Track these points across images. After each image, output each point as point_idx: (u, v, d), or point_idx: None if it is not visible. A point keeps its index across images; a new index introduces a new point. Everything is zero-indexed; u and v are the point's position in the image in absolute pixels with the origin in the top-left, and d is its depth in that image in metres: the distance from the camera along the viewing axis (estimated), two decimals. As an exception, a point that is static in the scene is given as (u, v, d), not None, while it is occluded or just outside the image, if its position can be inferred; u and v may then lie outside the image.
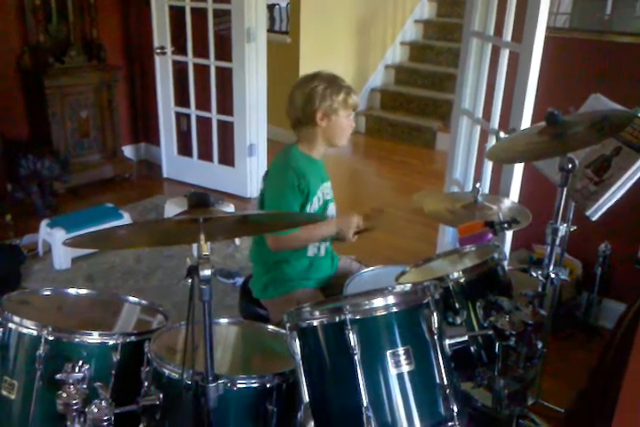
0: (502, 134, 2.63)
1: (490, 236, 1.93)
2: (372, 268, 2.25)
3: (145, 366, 1.59)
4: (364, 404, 1.38)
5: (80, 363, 1.55)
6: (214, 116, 4.61)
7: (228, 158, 4.68)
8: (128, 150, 5.16)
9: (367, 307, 1.43)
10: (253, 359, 1.78)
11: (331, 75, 2.23)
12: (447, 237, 3.34)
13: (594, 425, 1.93)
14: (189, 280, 1.40)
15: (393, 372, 1.41)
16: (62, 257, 3.53)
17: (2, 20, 4.25)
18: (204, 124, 4.71)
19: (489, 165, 2.94)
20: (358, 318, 1.42)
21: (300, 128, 2.22)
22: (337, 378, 1.44)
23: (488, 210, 2.19)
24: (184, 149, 4.89)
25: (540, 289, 1.93)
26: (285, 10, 7.46)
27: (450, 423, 1.43)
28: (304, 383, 1.45)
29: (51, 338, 1.63)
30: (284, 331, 1.52)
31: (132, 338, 1.69)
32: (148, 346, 1.61)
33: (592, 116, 1.95)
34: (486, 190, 2.93)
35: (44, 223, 3.60)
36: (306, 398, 1.44)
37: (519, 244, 3.09)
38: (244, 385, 1.51)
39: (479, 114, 3.01)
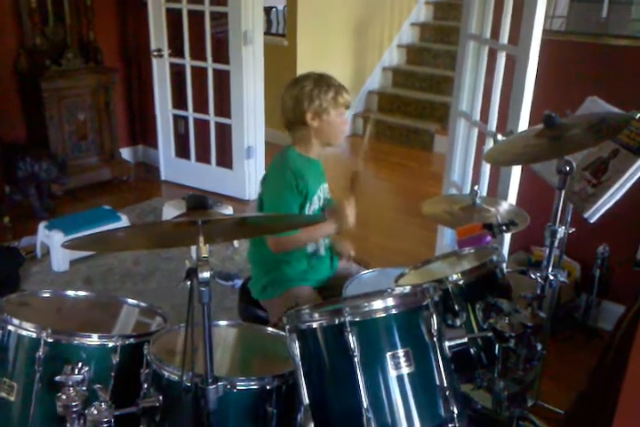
0: (500, 137, 2.63)
1: (488, 238, 1.94)
2: (371, 270, 2.26)
3: (144, 368, 1.59)
4: (364, 406, 1.39)
5: (79, 365, 1.55)
6: (212, 118, 4.61)
7: (225, 161, 4.68)
8: (126, 153, 5.15)
9: (367, 309, 1.44)
10: (253, 361, 1.78)
11: (320, 74, 2.22)
12: (446, 239, 3.35)
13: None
14: (188, 282, 1.40)
15: (393, 374, 1.41)
16: (60, 259, 3.52)
17: (-1, 23, 4.25)
18: (201, 126, 4.71)
19: (487, 168, 2.95)
20: (358, 320, 1.42)
21: (293, 130, 2.22)
22: (337, 380, 1.45)
23: (486, 212, 2.19)
24: (182, 151, 4.89)
25: (538, 291, 1.93)
26: (282, 12, 7.49)
27: (450, 425, 1.43)
28: (304, 385, 1.45)
29: (50, 340, 1.62)
30: (283, 333, 1.52)
31: (132, 340, 1.69)
32: (148, 348, 1.61)
33: (589, 119, 1.96)
34: (484, 193, 2.94)
35: (42, 226, 3.60)
36: (305, 399, 1.45)
37: (518, 246, 3.09)
38: (244, 387, 1.51)
39: (477, 116, 3.02)
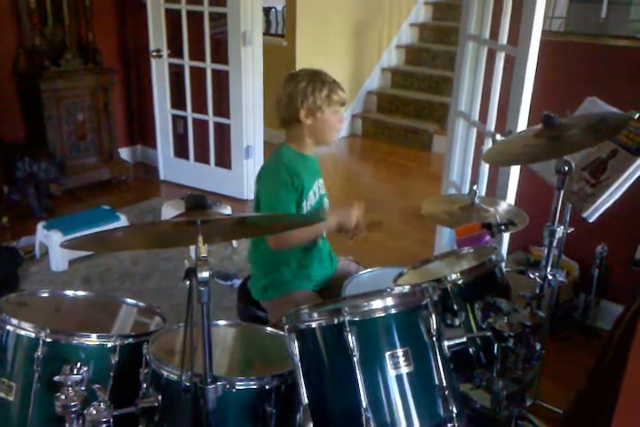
0: (499, 137, 2.63)
1: (487, 238, 1.94)
2: (370, 269, 2.26)
3: (143, 368, 1.59)
4: (364, 405, 1.39)
5: (78, 365, 1.55)
6: (211, 118, 4.61)
7: (224, 161, 4.68)
8: (124, 153, 5.15)
9: (366, 309, 1.44)
10: (252, 361, 1.78)
11: (315, 71, 2.21)
12: (444, 238, 3.35)
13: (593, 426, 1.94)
14: (187, 282, 1.40)
15: (392, 373, 1.41)
16: (59, 259, 3.52)
17: (-3, 23, 4.25)
18: (200, 126, 4.71)
19: (485, 168, 2.95)
20: (357, 319, 1.42)
21: (287, 127, 2.22)
22: (336, 380, 1.45)
23: (485, 212, 2.19)
24: (181, 151, 4.89)
25: (537, 291, 1.93)
26: (281, 13, 7.49)
27: (449, 425, 1.43)
28: (303, 385, 1.45)
29: (49, 340, 1.62)
30: (282, 332, 1.52)
31: (131, 340, 1.69)
32: (147, 348, 1.61)
33: (588, 119, 1.96)
34: (483, 193, 2.94)
35: (40, 225, 3.60)
36: (305, 399, 1.44)
37: (517, 245, 3.10)
38: (243, 387, 1.51)
39: (475, 117, 3.02)
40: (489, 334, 1.60)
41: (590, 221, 2.04)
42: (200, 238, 1.43)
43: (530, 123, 2.47)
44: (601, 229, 2.47)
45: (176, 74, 4.69)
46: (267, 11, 7.65)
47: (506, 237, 2.66)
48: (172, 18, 4.52)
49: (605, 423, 1.28)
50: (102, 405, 1.45)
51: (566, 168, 1.83)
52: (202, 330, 1.41)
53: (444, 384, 1.45)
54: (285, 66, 5.52)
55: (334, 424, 1.45)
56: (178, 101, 4.75)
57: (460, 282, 1.70)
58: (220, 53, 4.45)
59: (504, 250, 2.69)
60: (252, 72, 4.36)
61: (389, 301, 1.45)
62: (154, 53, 4.60)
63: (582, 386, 2.08)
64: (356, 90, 6.35)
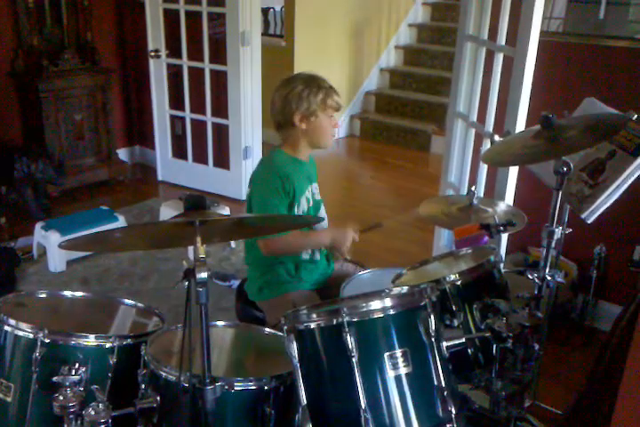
0: (497, 138, 2.63)
1: (486, 238, 1.94)
2: (368, 270, 2.26)
3: (142, 369, 1.59)
4: (362, 406, 1.39)
5: (76, 366, 1.55)
6: (209, 119, 4.61)
7: (223, 161, 4.68)
8: (123, 153, 5.15)
9: (364, 309, 1.44)
10: (250, 362, 1.78)
11: (310, 76, 2.21)
12: (443, 239, 3.35)
13: (591, 427, 1.94)
14: (186, 283, 1.40)
15: (391, 374, 1.41)
16: (57, 260, 3.52)
17: (-4, 23, 4.25)
18: (198, 127, 4.71)
19: (484, 169, 2.95)
20: (356, 320, 1.42)
21: (282, 130, 2.22)
22: (335, 380, 1.45)
23: (483, 213, 2.19)
24: (179, 151, 4.89)
25: (536, 291, 1.93)
26: (280, 13, 7.48)
27: (448, 425, 1.43)
28: (302, 386, 1.45)
29: (47, 341, 1.62)
30: (281, 333, 1.52)
31: (129, 341, 1.69)
32: (145, 348, 1.61)
33: (586, 120, 1.96)
34: (481, 194, 2.94)
35: (38, 226, 3.59)
36: (303, 400, 1.44)
37: (515, 246, 3.10)
38: (242, 388, 1.51)
39: (474, 117, 3.02)
40: (487, 334, 1.60)
41: (589, 221, 2.05)
42: (198, 239, 1.43)
43: (528, 124, 2.47)
44: (599, 230, 2.47)
45: (174, 74, 4.69)
46: (265, 11, 7.64)
47: (504, 237, 2.66)
48: (171, 18, 4.52)
49: (604, 424, 1.28)
50: (101, 405, 1.45)
51: (565, 169, 1.83)
52: (200, 331, 1.40)
53: (443, 385, 1.45)
54: (284, 66, 5.52)
55: (333, 425, 1.45)
56: (176, 102, 4.75)
57: (458, 283, 1.71)
58: (219, 54, 4.45)
59: (502, 251, 2.69)
60: (251, 72, 4.36)
61: (388, 301, 1.46)
62: (152, 53, 4.59)
63: (581, 387, 2.08)
64: (354, 90, 6.35)
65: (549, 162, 1.91)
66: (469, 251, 1.98)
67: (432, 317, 1.48)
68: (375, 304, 1.44)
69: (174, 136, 4.88)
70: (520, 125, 2.49)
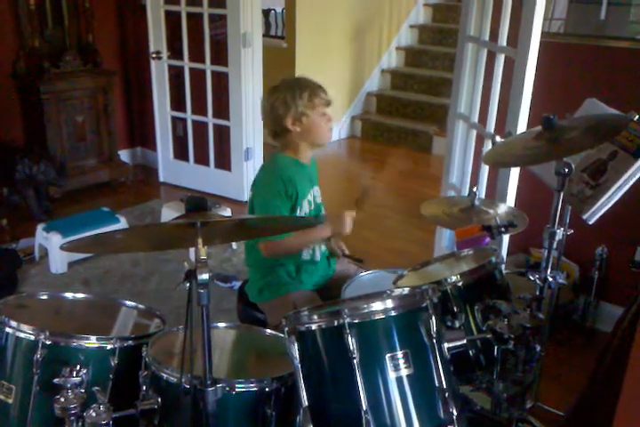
0: (498, 139, 2.63)
1: (487, 239, 1.94)
2: (369, 271, 2.26)
3: (143, 371, 1.59)
4: (364, 408, 1.38)
5: (78, 367, 1.55)
6: (210, 120, 4.61)
7: (224, 162, 4.68)
8: (124, 155, 5.15)
9: (366, 311, 1.43)
10: (252, 363, 1.78)
11: (295, 79, 2.23)
12: (444, 240, 3.34)
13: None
14: (187, 284, 1.40)
15: (392, 376, 1.41)
16: (59, 261, 3.52)
17: (-3, 25, 4.25)
18: (200, 128, 4.71)
19: (485, 170, 2.95)
20: (357, 321, 1.42)
21: (279, 138, 2.24)
22: (336, 382, 1.44)
23: (485, 214, 2.19)
24: (180, 153, 4.89)
25: (537, 293, 1.93)
26: (281, 15, 7.49)
27: (449, 427, 1.43)
28: (303, 387, 1.45)
29: (48, 342, 1.62)
30: (282, 335, 1.52)
31: (130, 342, 1.69)
32: (146, 350, 1.61)
33: (588, 121, 1.96)
34: (483, 195, 2.94)
35: (40, 227, 3.59)
36: (305, 401, 1.44)
37: (516, 247, 3.09)
38: (243, 389, 1.51)
39: (475, 118, 3.02)
40: (489, 336, 1.59)
41: (590, 222, 2.04)
42: (200, 240, 1.43)
43: (529, 125, 2.47)
44: (601, 231, 2.47)
45: (176, 76, 4.69)
46: (266, 13, 7.65)
47: (506, 238, 2.66)
48: (172, 19, 4.52)
49: (606, 425, 1.28)
50: (102, 407, 1.45)
51: (566, 170, 1.83)
52: (201, 332, 1.40)
53: (444, 386, 1.44)
54: (285, 67, 5.53)
55: (334, 427, 1.45)
56: (178, 103, 4.75)
57: (459, 284, 1.71)
58: (220, 55, 4.45)
59: (504, 252, 2.69)
60: (252, 74, 4.36)
61: (389, 303, 1.45)
62: (154, 55, 4.60)
63: (582, 388, 2.08)
64: (355, 91, 6.35)
65: (551, 163, 1.91)
66: (471, 252, 1.98)
67: (433, 318, 1.48)
68: (376, 306, 1.44)
69: (176, 137, 4.88)
70: (521, 126, 2.49)
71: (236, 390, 1.50)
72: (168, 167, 4.96)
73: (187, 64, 4.58)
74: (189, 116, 4.71)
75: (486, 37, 2.89)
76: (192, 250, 1.45)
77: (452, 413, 1.43)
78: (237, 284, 3.18)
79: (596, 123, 1.90)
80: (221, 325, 1.83)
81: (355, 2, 6.04)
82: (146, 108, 5.01)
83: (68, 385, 1.51)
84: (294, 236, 2.16)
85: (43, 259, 3.62)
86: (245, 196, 4.62)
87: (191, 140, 4.76)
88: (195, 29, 4.44)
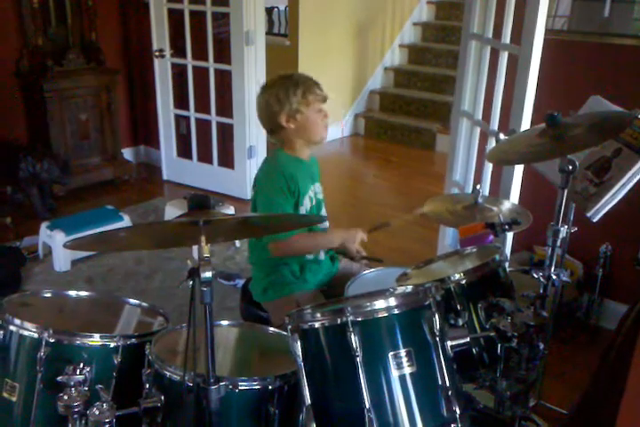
0: (502, 136, 2.62)
1: (491, 237, 1.93)
2: (372, 269, 2.25)
3: (146, 369, 1.59)
4: (366, 406, 1.38)
5: (81, 365, 1.55)
6: (214, 118, 4.61)
7: (227, 160, 4.68)
8: (128, 153, 5.16)
9: (369, 309, 1.43)
10: (255, 361, 1.78)
11: (288, 75, 2.20)
12: (447, 238, 3.34)
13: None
14: (190, 282, 1.40)
15: (395, 374, 1.41)
16: (62, 259, 3.52)
17: (0, 23, 4.25)
18: (203, 126, 4.71)
19: (489, 167, 2.95)
20: (360, 319, 1.41)
21: (274, 134, 2.23)
22: (339, 380, 1.44)
23: (489, 211, 2.18)
24: (184, 151, 4.89)
25: (541, 290, 1.92)
26: (284, 13, 7.48)
27: (452, 425, 1.43)
28: (306, 385, 1.45)
29: (52, 340, 1.63)
30: (285, 333, 1.52)
31: (133, 340, 1.69)
32: (150, 348, 1.61)
33: (592, 118, 1.95)
34: (486, 192, 2.93)
35: (44, 226, 3.60)
36: (308, 400, 1.44)
37: (520, 245, 3.09)
38: (246, 387, 1.51)
39: (479, 116, 3.02)
40: (492, 334, 1.59)
41: (594, 220, 2.03)
42: (203, 238, 1.42)
43: (533, 122, 2.47)
44: (605, 229, 2.46)
45: (179, 74, 4.69)
46: (269, 10, 7.65)
47: (509, 236, 2.65)
48: (175, 17, 4.52)
49: (609, 423, 1.28)
50: (105, 405, 1.45)
51: (570, 167, 1.82)
52: (204, 330, 1.40)
53: (448, 385, 1.44)
54: (288, 65, 5.52)
55: (337, 425, 1.45)
56: (181, 101, 4.75)
57: (463, 282, 1.70)
58: (223, 53, 4.45)
59: (507, 250, 2.68)
60: (255, 72, 4.36)
61: (392, 301, 1.45)
62: (157, 53, 4.60)
63: (586, 386, 2.07)
64: (358, 89, 6.35)
65: (555, 160, 1.90)
66: (474, 250, 1.98)
67: (436, 316, 1.47)
68: (379, 304, 1.44)
69: (179, 136, 4.88)
70: (525, 124, 2.48)
71: (239, 388, 1.50)
72: (171, 165, 4.96)
73: (190, 62, 4.58)
74: (192, 114, 4.71)
75: (490, 35, 2.88)
76: (195, 248, 1.45)
77: (455, 411, 1.43)
78: (240, 282, 3.18)
79: (600, 120, 1.89)
80: (224, 323, 1.83)
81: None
82: (149, 107, 5.02)
83: (72, 383, 1.51)
84: (304, 239, 2.16)
85: (47, 257, 3.63)
86: (248, 194, 4.61)
87: (194, 138, 4.76)
88: (198, 27, 4.44)
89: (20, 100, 4.44)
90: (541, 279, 1.92)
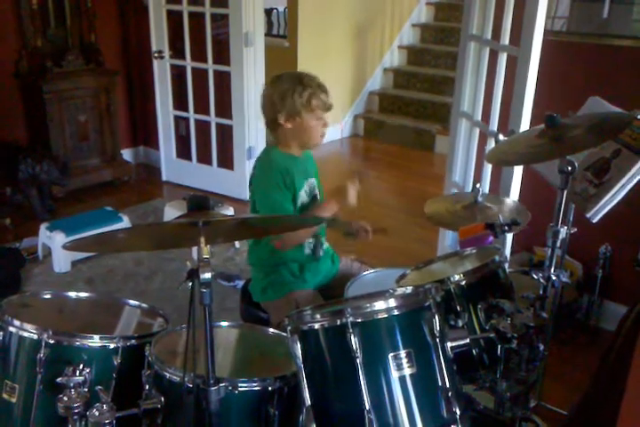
0: (501, 137, 2.63)
1: (490, 238, 1.93)
2: (372, 270, 2.25)
3: (146, 370, 1.59)
4: (366, 407, 1.38)
5: (81, 366, 1.55)
6: (213, 119, 4.61)
7: (226, 161, 4.68)
8: (127, 154, 5.15)
9: (368, 310, 1.43)
10: (254, 362, 1.78)
11: (298, 74, 2.17)
12: (447, 239, 3.34)
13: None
14: (189, 284, 1.40)
15: (395, 375, 1.41)
16: (62, 260, 3.52)
17: (-1, 25, 4.26)
18: (202, 127, 4.71)
19: (488, 168, 2.95)
20: (360, 320, 1.42)
21: (272, 129, 2.21)
22: (339, 381, 1.44)
23: (489, 210, 2.18)
24: (183, 152, 4.89)
25: (541, 291, 1.92)
26: (283, 14, 7.48)
27: (452, 426, 1.43)
28: (306, 386, 1.45)
29: (51, 341, 1.62)
30: (284, 334, 1.51)
31: (133, 341, 1.69)
32: (149, 349, 1.60)
33: (591, 119, 1.95)
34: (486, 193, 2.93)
35: (43, 227, 3.60)
36: (307, 401, 1.44)
37: (520, 246, 3.09)
38: (246, 388, 1.51)
39: (478, 117, 3.02)
40: (492, 335, 1.59)
41: (594, 221, 2.04)
42: (202, 240, 1.42)
43: (532, 123, 2.47)
44: (604, 230, 2.46)
45: (178, 75, 4.70)
46: (268, 12, 7.65)
47: (509, 237, 2.65)
48: (174, 19, 4.52)
49: (609, 424, 1.28)
50: (105, 406, 1.45)
51: (569, 168, 1.83)
52: (204, 331, 1.40)
53: (448, 386, 1.44)
54: (287, 67, 5.52)
55: (337, 426, 1.45)
56: (180, 102, 4.75)
57: (463, 283, 1.70)
58: (222, 54, 4.45)
59: (507, 251, 2.68)
60: (254, 73, 4.36)
61: (392, 302, 1.45)
62: (156, 54, 4.60)
63: (586, 387, 2.07)
64: (357, 90, 6.35)
65: (554, 161, 1.90)
66: (474, 251, 1.98)
67: (436, 317, 1.47)
68: (379, 305, 1.44)
69: (178, 137, 4.88)
70: (524, 125, 2.49)
71: (239, 389, 1.50)
72: (171, 166, 4.96)
73: (189, 63, 4.58)
74: (192, 115, 4.71)
75: (489, 36, 2.88)
76: (195, 249, 1.45)
77: (455, 412, 1.43)
78: (240, 283, 3.18)
79: (599, 121, 1.89)
80: (224, 324, 1.83)
81: (357, 1, 6.03)
82: (148, 108, 5.02)
83: (71, 384, 1.51)
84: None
85: (46, 258, 3.63)
86: (248, 194, 4.60)
87: (194, 139, 4.76)
88: (197, 29, 4.44)
89: (20, 101, 4.44)
90: (541, 280, 1.92)
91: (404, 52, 6.68)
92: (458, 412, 1.43)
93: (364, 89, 6.43)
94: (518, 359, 1.61)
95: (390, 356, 1.41)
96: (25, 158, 4.05)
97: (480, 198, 2.20)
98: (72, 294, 1.97)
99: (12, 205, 4.15)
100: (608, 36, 2.95)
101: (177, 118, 4.83)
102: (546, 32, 2.42)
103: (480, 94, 2.98)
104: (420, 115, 6.18)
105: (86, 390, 1.52)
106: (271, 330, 1.83)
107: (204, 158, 4.78)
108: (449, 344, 1.51)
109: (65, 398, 1.47)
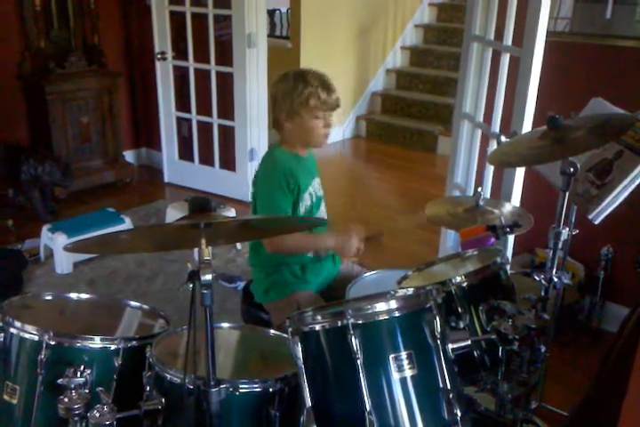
0: (503, 138, 2.62)
1: (492, 240, 1.93)
2: (374, 272, 2.25)
3: (147, 371, 1.59)
4: (367, 408, 1.38)
5: (82, 368, 1.55)
6: (215, 120, 4.62)
7: (229, 163, 4.69)
8: (129, 155, 5.16)
9: (369, 311, 1.43)
10: (255, 364, 1.78)
11: (302, 72, 2.13)
12: (449, 241, 3.34)
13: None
14: (190, 285, 1.40)
15: (396, 376, 1.40)
16: (64, 262, 3.53)
17: (2, 26, 4.26)
18: (205, 128, 4.71)
19: (490, 169, 2.94)
20: (360, 322, 1.41)
21: (277, 128, 2.21)
22: (339, 382, 1.44)
23: (490, 214, 2.18)
24: (185, 153, 4.90)
25: (542, 293, 1.92)
26: (286, 15, 7.49)
27: (453, 428, 1.42)
28: (306, 388, 1.45)
29: (52, 343, 1.62)
30: (285, 335, 1.51)
31: (134, 343, 1.69)
32: (150, 351, 1.60)
33: (593, 120, 1.95)
34: (488, 195, 2.92)
35: (45, 228, 3.60)
36: (308, 402, 1.44)
37: (521, 248, 3.08)
38: (247, 390, 1.51)
39: (480, 118, 3.01)
40: (493, 336, 1.59)
41: (596, 222, 2.03)
42: (203, 241, 1.42)
43: (535, 124, 2.46)
44: (606, 231, 2.46)
45: (181, 76, 4.70)
46: (271, 13, 7.65)
47: (511, 239, 2.65)
48: (177, 20, 4.53)
49: (611, 426, 1.27)
50: (106, 408, 1.45)
51: (571, 170, 1.82)
52: (205, 333, 1.40)
53: (449, 387, 1.44)
54: (290, 68, 5.47)
55: (338, 427, 1.45)
56: (182, 104, 4.76)
57: (464, 284, 1.70)
58: (225, 56, 4.46)
59: (509, 252, 2.68)
60: (257, 74, 4.36)
61: (393, 303, 1.45)
62: (158, 56, 4.60)
63: (587, 389, 2.07)
64: (360, 91, 6.35)
65: (556, 163, 1.90)
66: (475, 252, 1.98)
67: (437, 319, 1.47)
68: (380, 306, 1.44)
69: (180, 138, 4.89)
70: (526, 126, 2.48)
71: (240, 390, 1.50)
72: (173, 168, 4.96)
73: (191, 65, 4.58)
74: (194, 116, 4.72)
75: (491, 37, 2.88)
76: (196, 250, 1.45)
77: (457, 414, 1.42)
78: (241, 284, 3.18)
79: (601, 122, 1.89)
80: (225, 325, 1.83)
81: (359, 2, 6.03)
82: (151, 109, 5.02)
83: (72, 386, 1.51)
84: (299, 238, 2.15)
85: (48, 259, 3.63)
86: (250, 196, 4.60)
87: (196, 140, 4.77)
88: (199, 30, 4.44)
89: (22, 102, 4.45)
90: (543, 282, 1.92)
91: (406, 52, 6.68)
92: (459, 413, 1.42)
93: (366, 90, 6.43)
94: (520, 361, 1.61)
95: (391, 357, 1.41)
96: (27, 160, 4.05)
97: (482, 202, 2.20)
98: (73, 296, 1.97)
99: (15, 207, 4.15)
100: (611, 37, 2.94)
101: (179, 120, 4.83)
102: (548, 33, 2.42)
103: (482, 95, 2.98)
104: (422, 116, 6.18)
105: (87, 391, 1.52)
106: (272, 331, 1.83)
107: (207, 160, 4.78)
108: (450, 346, 1.50)
109: (66, 400, 1.47)
